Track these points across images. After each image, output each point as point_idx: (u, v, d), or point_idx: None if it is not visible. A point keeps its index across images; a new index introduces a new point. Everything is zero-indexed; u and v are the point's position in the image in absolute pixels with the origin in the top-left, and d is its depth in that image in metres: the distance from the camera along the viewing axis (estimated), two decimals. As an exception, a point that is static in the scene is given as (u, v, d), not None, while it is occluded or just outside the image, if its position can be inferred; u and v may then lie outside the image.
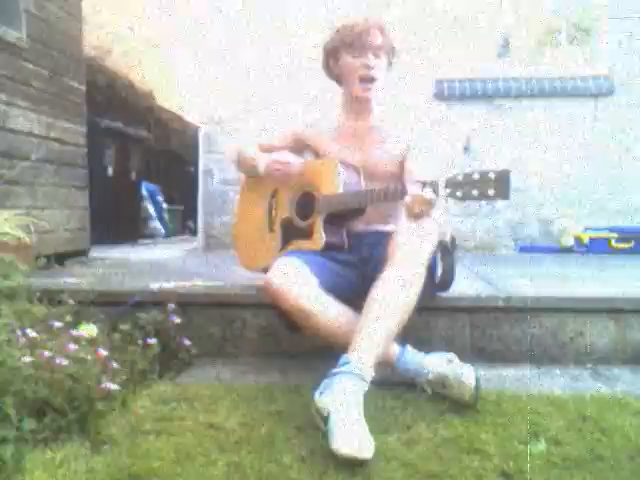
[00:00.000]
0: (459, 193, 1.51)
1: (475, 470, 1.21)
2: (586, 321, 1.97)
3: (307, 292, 1.65)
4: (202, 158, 4.47)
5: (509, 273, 2.74)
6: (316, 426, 1.38)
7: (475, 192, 1.49)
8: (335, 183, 1.85)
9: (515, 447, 1.31)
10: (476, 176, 1.49)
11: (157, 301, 2.01)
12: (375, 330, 1.51)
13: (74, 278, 2.49)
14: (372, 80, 1.85)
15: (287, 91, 4.28)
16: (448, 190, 1.53)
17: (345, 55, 1.87)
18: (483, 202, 1.52)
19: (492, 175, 1.47)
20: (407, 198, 1.59)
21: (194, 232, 5.46)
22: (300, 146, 2.08)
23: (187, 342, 1.96)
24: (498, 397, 1.58)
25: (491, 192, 1.47)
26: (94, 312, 1.96)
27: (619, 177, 4.17)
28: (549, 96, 4.21)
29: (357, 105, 1.93)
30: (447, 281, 1.89)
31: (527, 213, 4.24)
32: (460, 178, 1.51)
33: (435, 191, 1.55)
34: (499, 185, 1.46)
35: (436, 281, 1.83)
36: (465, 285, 2.19)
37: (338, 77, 1.95)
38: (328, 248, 1.86)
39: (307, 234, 1.92)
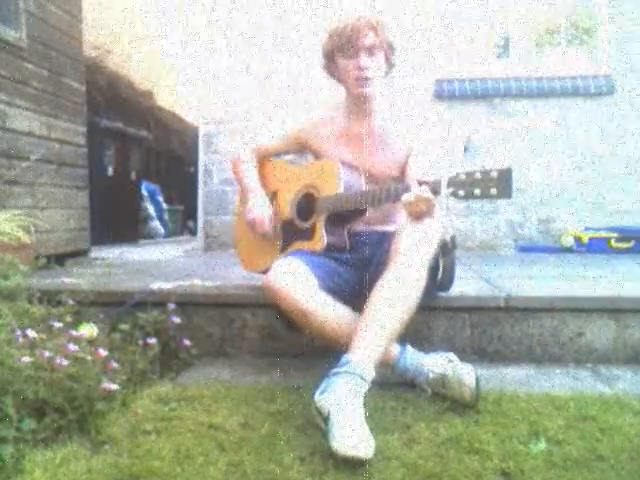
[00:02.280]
0: (461, 192, 1.51)
1: (475, 470, 1.21)
2: (586, 321, 1.97)
3: (307, 293, 1.65)
4: (202, 158, 4.46)
5: (509, 273, 2.74)
6: (316, 426, 1.38)
7: (477, 191, 1.48)
8: (336, 183, 1.85)
9: (515, 447, 1.31)
10: (478, 175, 1.49)
11: (157, 301, 2.01)
12: (376, 330, 1.51)
13: (74, 278, 2.49)
14: (366, 79, 1.84)
15: (288, 91, 4.28)
16: (450, 189, 1.52)
17: (340, 58, 1.86)
18: (485, 201, 1.51)
19: (494, 174, 1.46)
20: (407, 195, 1.58)
21: (194, 232, 5.46)
22: (301, 147, 2.08)
23: (187, 342, 1.96)
24: (498, 397, 1.58)
25: (494, 191, 1.46)
26: (94, 312, 1.97)
27: (619, 177, 4.17)
28: (549, 96, 4.21)
29: (358, 105, 1.93)
30: (447, 281, 1.89)
31: (527, 213, 4.24)
32: (462, 177, 1.51)
33: (437, 190, 1.54)
34: (501, 184, 1.46)
35: (437, 281, 1.83)
36: (465, 285, 2.19)
37: (337, 78, 1.95)
38: (329, 249, 1.86)
39: (308, 235, 1.92)
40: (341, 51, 1.84)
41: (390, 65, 1.91)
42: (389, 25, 1.87)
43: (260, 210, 2.02)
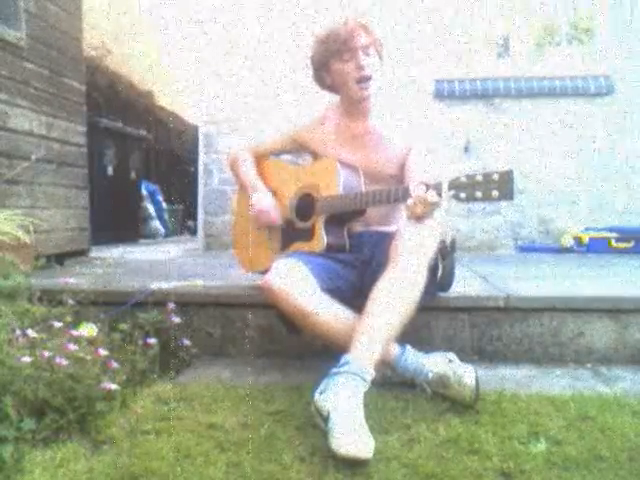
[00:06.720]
0: (463, 195, 1.51)
1: (475, 470, 1.21)
2: (586, 321, 1.97)
3: (306, 294, 1.65)
4: (202, 158, 4.47)
5: (509, 273, 2.74)
6: (316, 426, 1.38)
7: (479, 194, 1.48)
8: (335, 184, 1.85)
9: (515, 447, 1.30)
10: (479, 178, 1.49)
11: (157, 301, 2.01)
12: (376, 330, 1.51)
13: (74, 278, 2.49)
14: (369, 79, 1.84)
15: (287, 91, 4.28)
16: (451, 192, 1.52)
17: (335, 63, 1.86)
18: (485, 202, 1.50)
19: (495, 176, 1.47)
20: (409, 201, 1.58)
21: (194, 232, 5.46)
22: (298, 147, 2.08)
23: (187, 342, 1.96)
24: (498, 397, 1.58)
25: (495, 193, 1.46)
26: (94, 312, 1.97)
27: (619, 177, 4.17)
28: (549, 96, 4.21)
29: (356, 107, 1.93)
30: (447, 282, 1.89)
31: (527, 213, 4.24)
32: (463, 180, 1.51)
33: (438, 193, 1.54)
34: (503, 186, 1.46)
35: (437, 282, 1.83)
36: (465, 285, 2.19)
37: (332, 86, 1.95)
38: (329, 249, 1.86)
39: (308, 235, 1.92)
40: (337, 55, 1.84)
41: (381, 63, 1.91)
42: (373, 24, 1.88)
43: (264, 201, 2.00)
